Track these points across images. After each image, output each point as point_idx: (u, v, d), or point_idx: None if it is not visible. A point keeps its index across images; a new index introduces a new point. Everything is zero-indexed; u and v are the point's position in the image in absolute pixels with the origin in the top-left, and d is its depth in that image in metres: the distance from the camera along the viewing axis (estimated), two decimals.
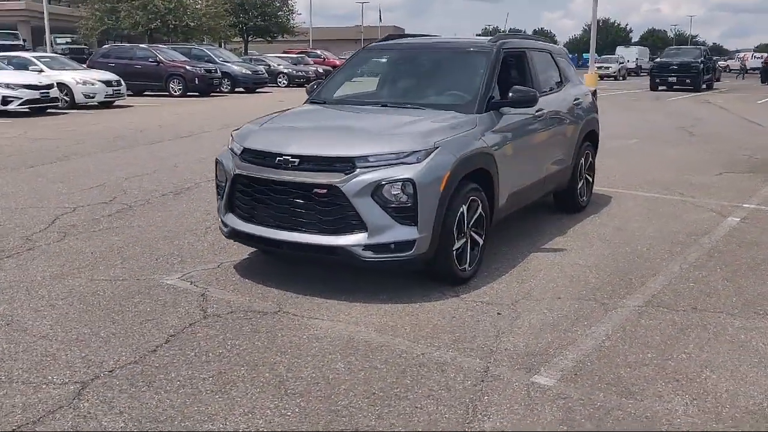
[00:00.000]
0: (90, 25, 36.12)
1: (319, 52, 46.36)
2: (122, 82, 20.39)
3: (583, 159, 7.08)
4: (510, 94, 5.38)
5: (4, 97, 16.58)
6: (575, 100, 6.89)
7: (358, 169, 4.47)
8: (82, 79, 19.33)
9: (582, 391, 3.45)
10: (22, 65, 19.62)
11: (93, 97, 19.34)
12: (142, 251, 5.73)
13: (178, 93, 24.15)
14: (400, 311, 4.48)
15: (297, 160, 4.61)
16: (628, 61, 54.31)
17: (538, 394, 3.42)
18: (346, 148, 4.60)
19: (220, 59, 28.38)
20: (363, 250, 4.51)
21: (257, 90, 28.77)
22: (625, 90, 33.18)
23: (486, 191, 5.16)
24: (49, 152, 11.09)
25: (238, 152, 4.95)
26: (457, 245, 4.82)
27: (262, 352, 3.86)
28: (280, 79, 33.78)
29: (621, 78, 47.23)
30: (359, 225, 4.49)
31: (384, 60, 6.37)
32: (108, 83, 19.76)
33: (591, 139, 7.32)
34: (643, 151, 12.05)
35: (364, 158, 4.51)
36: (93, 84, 19.36)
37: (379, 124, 5.13)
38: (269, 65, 33.78)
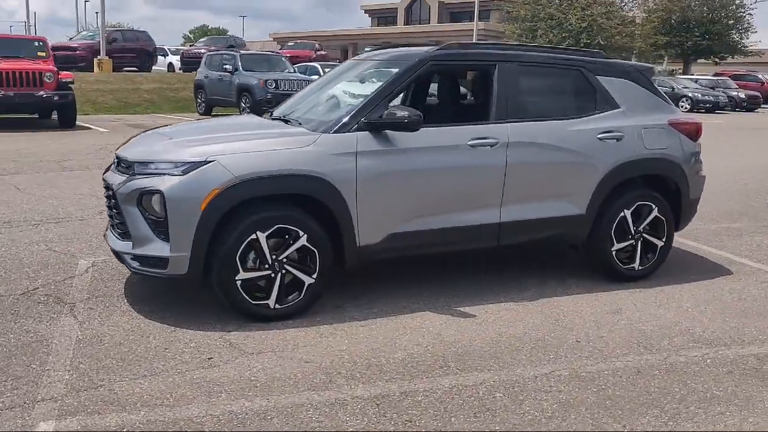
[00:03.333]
0: None
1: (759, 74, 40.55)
2: None
3: (627, 212, 5.23)
4: (384, 114, 4.45)
5: None
6: (605, 133, 5.09)
7: (136, 175, 4.34)
8: None
9: None
10: None
11: None
12: None
13: None
14: (176, 335, 4.19)
15: (117, 161, 4.69)
16: None
17: None
18: (132, 152, 4.49)
19: None
20: (131, 259, 4.37)
21: None
22: None
23: (327, 223, 4.43)
24: None
25: None
26: (245, 276, 4.26)
27: None
28: (682, 103, 30.73)
29: None
30: (129, 233, 4.36)
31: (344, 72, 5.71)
32: None
33: (657, 187, 5.37)
34: None
35: (144, 164, 4.35)
36: None
37: (201, 132, 4.80)
38: (672, 87, 31.06)
